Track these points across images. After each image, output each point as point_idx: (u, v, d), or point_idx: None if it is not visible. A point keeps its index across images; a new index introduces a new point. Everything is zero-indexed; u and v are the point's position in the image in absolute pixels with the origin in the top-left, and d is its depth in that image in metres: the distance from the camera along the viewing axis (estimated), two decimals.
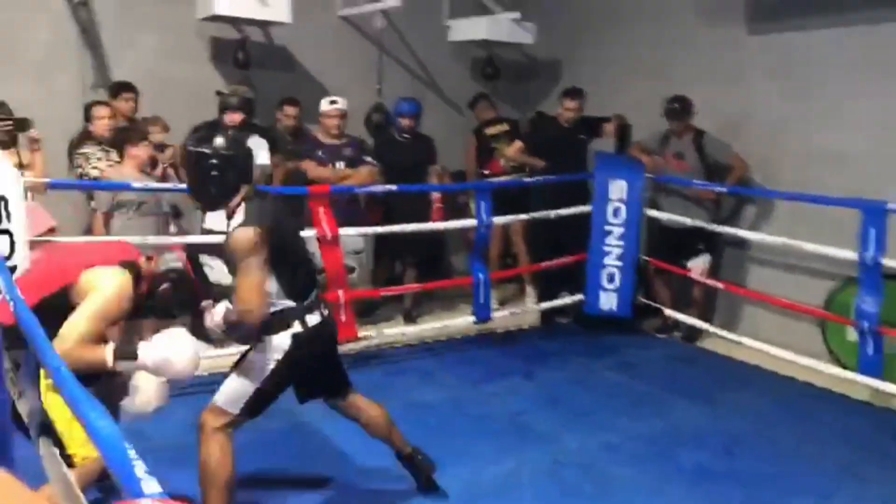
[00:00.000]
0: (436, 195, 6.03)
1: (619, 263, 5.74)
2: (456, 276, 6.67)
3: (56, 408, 2.29)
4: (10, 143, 4.66)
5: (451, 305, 6.38)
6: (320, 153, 5.61)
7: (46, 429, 2.19)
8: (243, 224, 2.75)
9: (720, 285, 5.70)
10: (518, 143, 6.19)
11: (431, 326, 5.74)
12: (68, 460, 2.32)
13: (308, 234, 4.85)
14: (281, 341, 2.89)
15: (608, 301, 5.79)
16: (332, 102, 5.66)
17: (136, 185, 4.57)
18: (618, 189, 5.71)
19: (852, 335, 4.81)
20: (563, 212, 5.79)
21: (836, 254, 4.76)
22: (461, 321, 5.69)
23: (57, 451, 2.24)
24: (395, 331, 5.65)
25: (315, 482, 3.56)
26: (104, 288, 2.51)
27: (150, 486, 1.11)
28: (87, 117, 5.22)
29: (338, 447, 3.86)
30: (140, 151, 4.81)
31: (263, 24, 6.12)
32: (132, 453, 1.20)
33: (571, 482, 3.67)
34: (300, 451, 3.87)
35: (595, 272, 5.78)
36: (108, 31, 5.80)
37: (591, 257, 5.79)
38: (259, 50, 6.23)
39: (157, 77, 5.79)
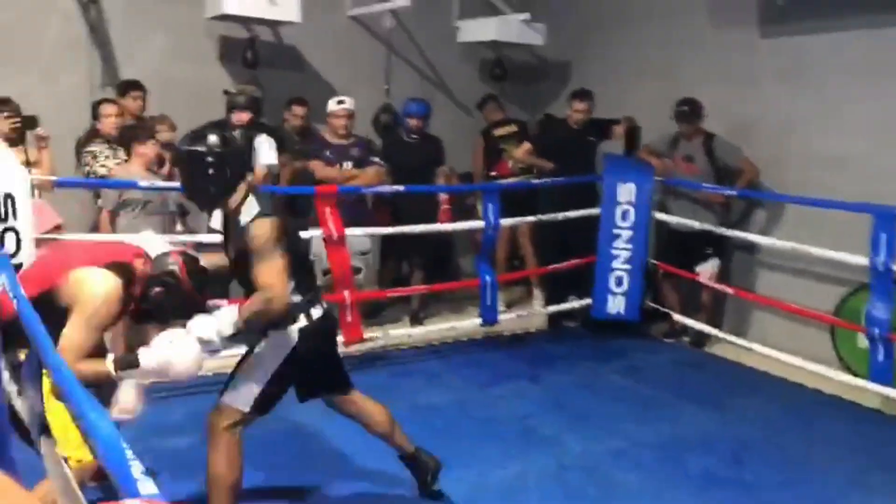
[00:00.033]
0: (443, 196, 6.01)
1: (627, 267, 5.71)
2: (464, 278, 6.66)
3: (53, 412, 2.27)
4: (17, 140, 4.66)
5: (458, 307, 6.36)
6: (328, 153, 5.60)
7: (48, 429, 2.17)
8: (259, 215, 2.74)
9: (729, 290, 5.66)
10: (526, 145, 6.17)
11: (438, 328, 5.71)
12: (64, 461, 2.30)
13: (314, 233, 4.86)
14: (288, 335, 2.88)
15: (616, 305, 5.75)
16: (340, 102, 5.65)
17: (143, 183, 4.56)
18: (626, 192, 5.68)
19: (863, 342, 4.76)
20: (572, 214, 5.76)
21: (847, 259, 4.72)
22: (468, 323, 5.67)
23: (58, 451, 2.22)
24: (402, 332, 5.63)
25: (315, 483, 3.54)
26: (90, 296, 2.46)
27: (147, 486, 1.10)
28: (95, 115, 5.22)
29: (339, 448, 3.84)
30: (147, 150, 4.81)
31: (272, 24, 6.12)
32: (129, 454, 1.18)
33: (576, 486, 3.64)
34: (301, 451, 3.85)
35: (603, 275, 5.74)
36: (117, 30, 5.81)
37: (599, 260, 5.76)
38: (267, 49, 6.23)
39: (166, 76, 5.79)
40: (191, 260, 2.73)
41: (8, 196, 3.80)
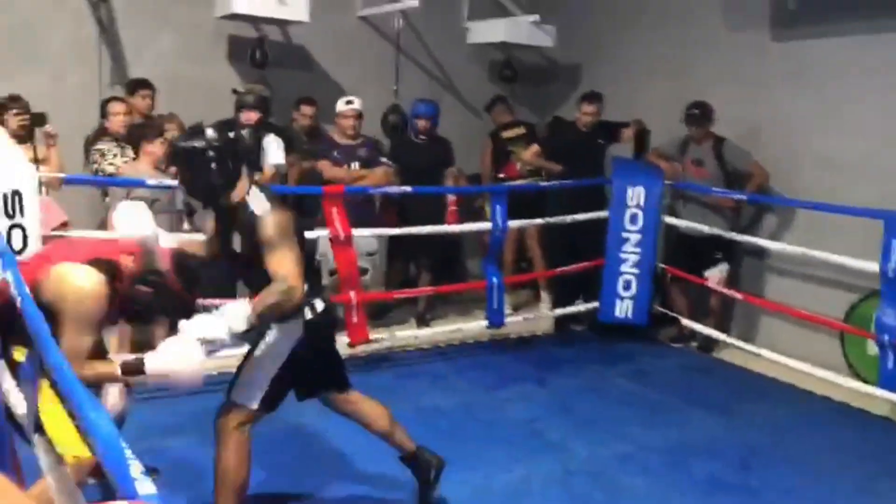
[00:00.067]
0: (451, 198, 6.00)
1: (635, 271, 5.68)
2: (471, 280, 6.64)
3: (48, 410, 2.25)
4: (26, 137, 4.68)
5: (465, 310, 6.34)
6: (336, 153, 5.60)
7: (42, 427, 2.16)
8: (270, 209, 2.74)
9: (738, 295, 5.62)
10: (535, 147, 6.15)
11: (444, 330, 5.69)
12: (60, 459, 2.28)
13: (321, 234, 4.85)
14: (293, 328, 2.86)
15: (624, 309, 5.72)
16: (348, 103, 5.65)
17: (151, 181, 4.56)
18: (635, 195, 5.65)
19: (872, 349, 4.71)
20: (580, 217, 5.74)
21: (857, 265, 4.67)
22: (474, 325, 5.65)
23: (54, 448, 2.21)
24: (408, 334, 5.61)
25: (316, 483, 3.53)
26: (73, 297, 2.38)
27: (145, 486, 1.09)
28: (104, 114, 5.24)
29: (339, 448, 3.82)
30: (155, 148, 4.81)
31: (281, 23, 6.13)
32: (129, 453, 1.17)
33: (582, 491, 3.62)
34: (301, 451, 3.84)
35: (611, 279, 5.71)
36: (127, 29, 5.83)
37: (607, 264, 5.73)
38: (276, 49, 6.23)
39: (174, 75, 5.80)
40: (181, 257, 2.68)
41: (15, 193, 3.81)
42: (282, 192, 4.40)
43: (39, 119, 4.71)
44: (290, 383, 2.96)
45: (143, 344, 4.74)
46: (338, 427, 3.58)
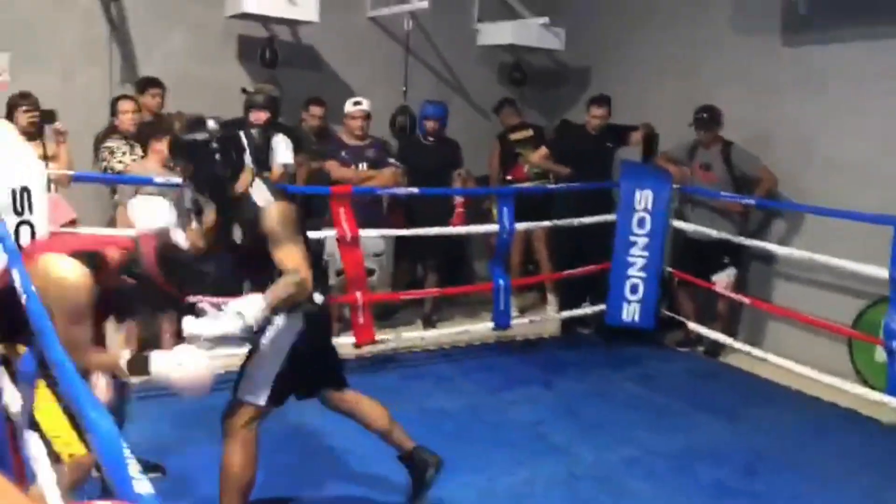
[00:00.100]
0: (458, 199, 5.99)
1: (642, 274, 5.66)
2: (477, 282, 6.63)
3: (44, 408, 2.26)
4: (36, 134, 4.70)
5: (471, 311, 6.33)
6: (344, 154, 5.60)
7: (36, 424, 2.16)
8: (276, 199, 2.75)
9: (745, 300, 5.60)
10: (543, 150, 6.14)
11: (450, 332, 5.68)
12: (56, 458, 2.27)
13: (328, 234, 4.85)
14: (294, 321, 2.86)
15: (630, 312, 5.71)
16: (357, 103, 5.65)
17: (159, 179, 4.57)
18: (643, 199, 5.64)
19: (881, 355, 4.69)
20: (587, 220, 5.73)
21: (866, 270, 4.65)
22: (480, 327, 5.65)
23: (45, 447, 2.21)
24: (414, 335, 5.61)
25: (317, 484, 3.53)
26: (56, 288, 2.35)
27: (143, 486, 1.08)
28: (114, 112, 5.25)
29: (340, 448, 3.82)
30: (164, 147, 4.81)
31: (291, 23, 6.14)
32: (127, 452, 1.17)
33: (587, 495, 3.61)
34: (301, 452, 3.84)
35: (618, 282, 5.70)
36: (137, 28, 5.84)
37: (614, 267, 5.71)
38: (286, 49, 6.24)
39: (184, 74, 5.81)
40: (165, 250, 2.61)
41: (24, 189, 3.80)
42: (290, 191, 4.39)
43: (49, 116, 4.73)
44: (295, 377, 2.95)
45: (151, 341, 4.79)
46: (338, 427, 3.59)
